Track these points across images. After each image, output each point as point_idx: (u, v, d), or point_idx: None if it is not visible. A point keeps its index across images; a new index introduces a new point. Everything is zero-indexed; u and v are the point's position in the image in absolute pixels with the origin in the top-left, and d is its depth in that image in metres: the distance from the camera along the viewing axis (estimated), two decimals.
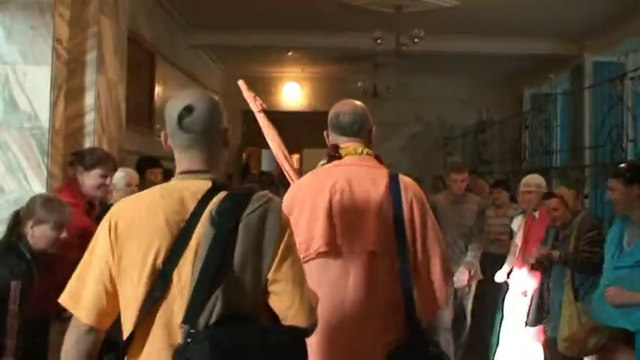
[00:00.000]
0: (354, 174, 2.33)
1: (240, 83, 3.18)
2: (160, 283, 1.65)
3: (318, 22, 8.24)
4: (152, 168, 5.32)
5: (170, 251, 1.66)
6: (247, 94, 3.25)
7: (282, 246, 1.69)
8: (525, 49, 9.06)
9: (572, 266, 4.24)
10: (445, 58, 9.95)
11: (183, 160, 1.80)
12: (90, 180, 3.61)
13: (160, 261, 1.66)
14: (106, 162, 3.69)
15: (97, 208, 3.74)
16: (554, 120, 7.69)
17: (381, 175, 2.35)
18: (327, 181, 2.24)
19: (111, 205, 2.11)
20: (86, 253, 1.75)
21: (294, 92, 11.97)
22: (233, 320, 1.62)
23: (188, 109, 1.76)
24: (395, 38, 7.06)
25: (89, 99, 4.88)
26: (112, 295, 1.70)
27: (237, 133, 12.01)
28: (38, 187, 4.07)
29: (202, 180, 1.75)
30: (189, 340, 1.57)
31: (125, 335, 1.70)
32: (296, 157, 18.70)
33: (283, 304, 1.69)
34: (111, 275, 1.70)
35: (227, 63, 11.23)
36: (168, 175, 6.28)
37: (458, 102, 11.68)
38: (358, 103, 2.50)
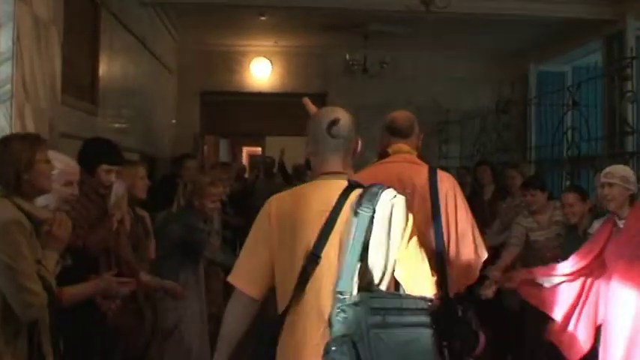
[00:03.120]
0: (401, 169, 2.83)
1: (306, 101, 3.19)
2: (312, 260, 2.06)
3: None
4: (109, 164, 3.39)
5: (319, 235, 2.07)
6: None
7: (407, 231, 2.12)
8: (546, 12, 7.49)
9: None
10: (445, 27, 8.36)
11: (325, 163, 2.24)
12: None
13: (311, 243, 2.07)
14: None
15: None
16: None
17: (423, 170, 2.84)
18: (382, 175, 2.54)
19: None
20: (249, 239, 2.21)
21: (263, 70, 10.04)
22: (371, 290, 2.04)
23: (336, 121, 2.20)
24: None
25: (3, 42, 3.02)
26: (269, 273, 2.17)
27: (194, 117, 10.08)
28: None
29: (341, 180, 2.19)
30: (346, 304, 1.93)
31: (282, 305, 2.12)
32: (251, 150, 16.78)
33: (411, 277, 2.13)
34: (271, 256, 2.15)
35: (182, 32, 9.28)
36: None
37: (454, 81, 10.10)
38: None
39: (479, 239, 2.81)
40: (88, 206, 3.33)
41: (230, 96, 10.22)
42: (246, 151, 17.73)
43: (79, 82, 5.26)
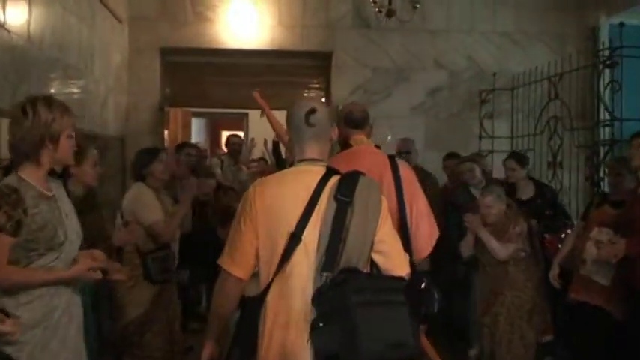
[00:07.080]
0: (368, 158, 3.10)
1: (256, 95, 3.62)
2: (293, 241, 2.21)
3: None
4: None
5: (301, 217, 2.21)
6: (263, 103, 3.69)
7: (382, 215, 2.31)
8: None
9: None
10: None
11: (304, 150, 2.39)
12: None
13: (293, 224, 2.21)
14: None
15: None
16: None
17: (384, 159, 3.15)
18: (353, 164, 2.61)
19: None
20: (235, 223, 2.33)
21: (245, 19, 7.48)
22: (352, 270, 2.18)
23: (313, 110, 2.35)
24: None
25: None
26: (254, 254, 2.29)
27: (155, 84, 7.49)
28: None
29: (318, 166, 2.35)
30: (330, 283, 2.10)
31: (263, 284, 2.26)
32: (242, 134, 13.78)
33: (387, 259, 2.32)
34: (255, 239, 2.28)
35: None
36: None
37: (498, 37, 7.73)
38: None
39: (433, 219, 3.14)
40: None
41: (200, 55, 7.65)
42: (225, 136, 14.61)
43: None
